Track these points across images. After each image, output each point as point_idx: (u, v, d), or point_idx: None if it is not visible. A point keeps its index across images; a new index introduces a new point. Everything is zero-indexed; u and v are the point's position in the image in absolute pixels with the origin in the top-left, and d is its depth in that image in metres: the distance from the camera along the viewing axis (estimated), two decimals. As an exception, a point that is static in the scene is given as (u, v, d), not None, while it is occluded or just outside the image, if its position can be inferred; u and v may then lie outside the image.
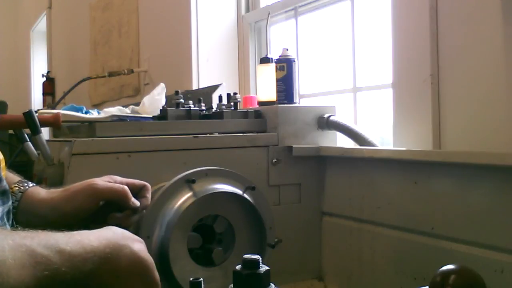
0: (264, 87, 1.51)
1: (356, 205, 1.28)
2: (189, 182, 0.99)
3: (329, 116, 1.37)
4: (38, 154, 1.23)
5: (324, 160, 1.38)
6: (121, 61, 3.06)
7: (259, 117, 1.40)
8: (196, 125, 1.32)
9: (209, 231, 1.03)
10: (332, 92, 1.74)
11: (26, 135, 1.25)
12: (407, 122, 1.27)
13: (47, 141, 1.20)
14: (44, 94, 4.84)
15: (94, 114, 1.58)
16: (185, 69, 2.23)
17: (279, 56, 1.48)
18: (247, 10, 2.19)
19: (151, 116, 1.47)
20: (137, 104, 1.68)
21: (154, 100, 1.62)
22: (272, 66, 1.48)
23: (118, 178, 0.92)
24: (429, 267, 0.95)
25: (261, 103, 1.51)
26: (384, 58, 1.43)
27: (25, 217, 0.83)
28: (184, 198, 0.98)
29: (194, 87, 2.15)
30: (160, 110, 1.40)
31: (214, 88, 1.71)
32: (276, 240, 1.08)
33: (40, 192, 0.90)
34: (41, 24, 5.12)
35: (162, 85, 1.68)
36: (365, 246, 1.25)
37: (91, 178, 0.90)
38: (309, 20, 1.87)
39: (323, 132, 1.39)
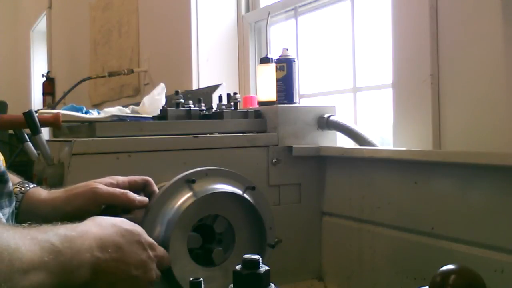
0: (264, 87, 1.51)
1: (356, 205, 1.28)
2: (189, 182, 0.99)
3: (329, 116, 1.37)
4: (38, 154, 1.23)
5: (324, 160, 1.38)
6: (121, 61, 3.06)
7: (259, 117, 1.40)
8: (196, 125, 1.32)
9: (209, 231, 1.03)
10: (332, 92, 1.74)
11: (26, 135, 1.25)
12: (407, 122, 1.27)
13: (47, 141, 1.20)
14: (44, 94, 4.84)
15: (94, 114, 1.58)
16: (185, 69, 2.23)
17: (279, 56, 1.48)
18: (247, 10, 2.19)
19: (151, 116, 1.48)
20: (137, 104, 1.68)
21: (154, 100, 1.62)
22: (272, 66, 1.48)
23: (120, 178, 0.93)
24: (429, 267, 0.95)
25: (261, 103, 1.51)
26: (384, 58, 1.43)
27: (26, 217, 0.84)
28: (184, 198, 0.98)
29: (194, 87, 2.15)
30: (160, 110, 1.40)
31: (214, 88, 1.71)
32: (276, 240, 1.08)
33: (41, 193, 0.90)
34: (41, 24, 5.12)
35: (162, 85, 1.68)
36: (365, 246, 1.25)
37: (92, 179, 0.91)
38: (309, 20, 1.87)
39: (323, 132, 1.39)
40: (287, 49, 1.48)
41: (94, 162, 1.12)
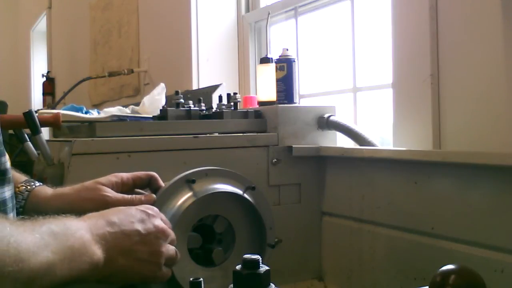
0: (264, 87, 1.51)
1: (356, 205, 1.28)
2: (189, 182, 0.99)
3: (329, 116, 1.37)
4: (38, 154, 1.23)
5: (324, 160, 1.38)
6: (121, 61, 3.06)
7: (259, 117, 1.40)
8: (196, 125, 1.32)
9: (209, 231, 1.03)
10: (332, 92, 1.74)
11: (26, 135, 1.25)
12: (407, 122, 1.27)
13: (47, 141, 1.20)
14: (44, 94, 4.84)
15: (94, 114, 1.58)
16: (185, 69, 2.23)
17: (279, 56, 1.48)
18: (247, 10, 2.19)
19: (151, 116, 1.48)
20: (137, 104, 1.68)
21: (154, 100, 1.62)
22: (272, 66, 1.48)
23: (124, 175, 0.93)
24: (429, 267, 0.95)
25: (261, 103, 1.51)
26: (384, 58, 1.43)
27: (32, 215, 0.84)
28: (184, 198, 0.98)
29: (194, 87, 2.15)
30: (160, 110, 1.40)
31: (214, 88, 1.71)
32: (276, 240, 1.08)
33: (47, 191, 0.91)
34: (41, 24, 5.12)
35: (162, 85, 1.68)
36: (365, 246, 1.25)
37: (92, 179, 0.91)
38: (309, 20, 1.87)
39: (323, 132, 1.39)
40: (287, 49, 1.48)
41: (94, 162, 1.12)
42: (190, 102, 1.40)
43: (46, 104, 4.66)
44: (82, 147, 1.12)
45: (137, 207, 0.80)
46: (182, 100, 1.38)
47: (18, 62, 6.11)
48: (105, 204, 0.85)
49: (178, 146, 1.22)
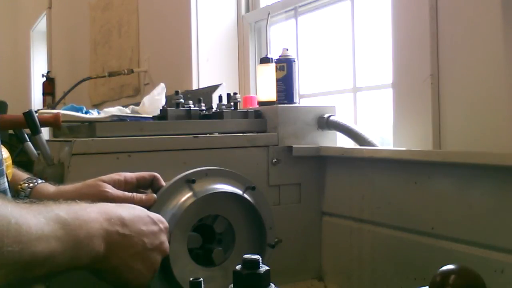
0: (264, 87, 1.51)
1: (356, 205, 1.28)
2: (189, 182, 0.99)
3: (329, 116, 1.37)
4: (38, 154, 1.23)
5: (324, 160, 1.38)
6: (121, 61, 3.06)
7: (259, 117, 1.40)
8: (196, 125, 1.32)
9: (209, 231, 1.03)
10: (332, 92, 1.74)
11: (26, 135, 1.25)
12: (407, 122, 1.27)
13: (47, 141, 1.20)
14: (44, 94, 4.84)
15: (94, 114, 1.58)
16: (185, 69, 2.23)
17: (279, 56, 1.48)
18: (247, 10, 2.19)
19: (151, 116, 1.47)
20: (137, 104, 1.68)
21: (154, 100, 1.62)
22: (272, 66, 1.48)
23: (128, 175, 0.93)
24: (429, 267, 0.95)
25: (261, 103, 1.51)
26: (384, 58, 1.43)
27: None
28: (184, 198, 0.98)
29: (194, 87, 2.15)
30: (160, 110, 1.40)
31: (214, 88, 1.71)
32: (276, 240, 1.08)
33: (49, 188, 0.91)
34: (41, 24, 5.12)
35: (162, 85, 1.68)
36: (365, 246, 1.25)
37: (92, 179, 0.91)
38: (309, 20, 1.87)
39: (323, 132, 1.39)
40: (287, 49, 1.48)
41: (94, 162, 1.12)
42: (190, 102, 1.40)
43: (46, 104, 4.66)
44: (82, 147, 1.12)
45: (150, 214, 0.81)
46: (182, 100, 1.38)
47: (18, 62, 6.11)
48: (104, 200, 0.85)
49: (178, 146, 1.22)
